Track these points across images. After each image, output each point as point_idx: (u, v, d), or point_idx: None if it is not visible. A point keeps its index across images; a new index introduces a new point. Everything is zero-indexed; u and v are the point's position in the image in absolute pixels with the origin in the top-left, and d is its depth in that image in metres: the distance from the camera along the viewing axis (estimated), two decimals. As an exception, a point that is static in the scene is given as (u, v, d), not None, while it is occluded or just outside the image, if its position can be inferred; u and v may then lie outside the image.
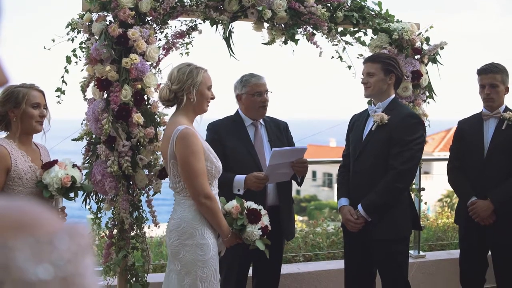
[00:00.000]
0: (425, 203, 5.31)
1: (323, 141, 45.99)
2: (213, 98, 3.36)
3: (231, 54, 4.16)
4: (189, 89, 3.22)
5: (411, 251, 5.35)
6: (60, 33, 3.82)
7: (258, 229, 3.39)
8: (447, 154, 4.55)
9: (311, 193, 33.46)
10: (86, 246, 0.59)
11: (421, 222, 5.32)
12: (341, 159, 4.33)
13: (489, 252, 4.42)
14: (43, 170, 3.15)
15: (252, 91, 4.04)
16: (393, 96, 3.97)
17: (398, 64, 3.96)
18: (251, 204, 3.46)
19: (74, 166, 3.33)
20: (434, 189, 6.58)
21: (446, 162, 4.60)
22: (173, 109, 3.38)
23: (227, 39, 4.08)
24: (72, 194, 3.27)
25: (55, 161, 3.21)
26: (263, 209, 3.47)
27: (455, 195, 9.43)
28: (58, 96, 3.88)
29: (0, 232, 0.55)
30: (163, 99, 3.31)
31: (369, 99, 4.24)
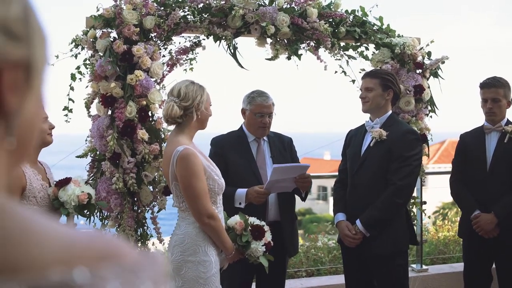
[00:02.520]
0: (429, 216, 5.31)
1: (317, 154, 46.02)
2: (211, 115, 3.37)
3: (241, 66, 4.18)
4: (198, 106, 3.21)
5: (413, 265, 5.35)
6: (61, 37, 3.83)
7: (262, 245, 3.39)
8: (441, 166, 4.59)
9: (306, 207, 33.40)
10: (165, 273, 0.63)
11: (423, 236, 5.34)
12: (336, 173, 4.34)
13: (493, 265, 4.42)
14: (57, 188, 3.14)
15: (255, 110, 4.03)
16: (390, 112, 4.00)
17: (396, 81, 4.00)
18: (254, 220, 3.47)
19: (86, 183, 3.33)
20: (429, 201, 6.60)
21: (441, 175, 4.61)
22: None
23: (234, 54, 4.09)
24: (86, 211, 3.26)
25: (69, 179, 3.20)
26: (265, 225, 3.48)
27: (452, 208, 9.48)
28: (66, 115, 3.87)
29: (89, 261, 0.57)
30: (174, 116, 3.17)
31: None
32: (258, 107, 4.02)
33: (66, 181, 3.17)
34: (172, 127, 3.39)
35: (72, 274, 0.55)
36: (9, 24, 0.62)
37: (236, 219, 3.44)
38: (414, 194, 4.54)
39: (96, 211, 3.78)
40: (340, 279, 5.06)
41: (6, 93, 0.62)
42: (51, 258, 0.56)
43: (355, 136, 4.14)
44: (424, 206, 5.13)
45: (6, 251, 0.55)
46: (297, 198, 4.23)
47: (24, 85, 0.64)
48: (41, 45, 0.66)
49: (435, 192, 7.28)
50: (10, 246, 0.55)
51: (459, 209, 4.72)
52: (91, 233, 0.63)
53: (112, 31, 3.85)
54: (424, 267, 5.40)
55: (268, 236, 3.46)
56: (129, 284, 0.57)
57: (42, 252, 0.56)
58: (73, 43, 3.87)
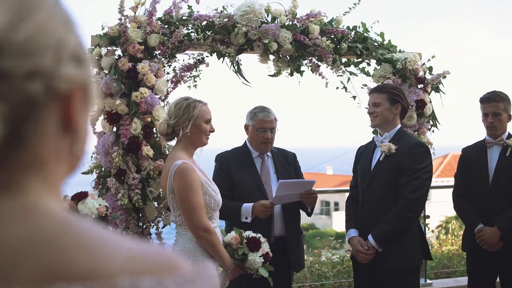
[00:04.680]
0: (432, 231, 5.32)
1: (320, 169, 45.92)
2: (212, 131, 3.37)
3: (245, 83, 4.22)
4: (184, 123, 3.25)
5: (417, 279, 5.34)
6: None
7: (260, 256, 3.41)
8: (444, 180, 4.58)
9: (309, 222, 33.29)
10: (218, 284, 0.69)
11: (428, 250, 5.33)
12: (339, 188, 4.35)
13: (497, 279, 4.42)
14: (74, 201, 3.18)
15: (256, 126, 4.06)
16: (399, 126, 3.99)
17: (403, 94, 4.00)
18: (250, 233, 3.49)
19: (99, 196, 3.38)
20: (433, 215, 6.61)
21: (444, 189, 4.62)
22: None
23: (238, 71, 4.14)
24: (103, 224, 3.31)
25: (87, 193, 3.26)
26: (262, 237, 3.50)
27: (454, 221, 9.47)
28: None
29: (154, 271, 0.64)
30: (161, 133, 3.37)
31: (375, 129, 4.28)
32: (259, 123, 4.06)
33: (84, 195, 3.23)
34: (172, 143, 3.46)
35: (138, 282, 0.61)
36: (77, 50, 0.70)
37: (231, 235, 3.46)
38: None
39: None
40: (344, 293, 5.07)
41: (75, 113, 0.70)
42: (120, 267, 0.63)
43: (365, 152, 4.14)
44: (427, 220, 5.13)
45: (80, 260, 0.62)
46: (302, 213, 4.25)
47: (83, 104, 0.72)
48: (89, 65, 0.73)
49: (438, 206, 7.27)
50: (83, 255, 0.63)
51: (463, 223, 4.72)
52: (151, 246, 0.69)
53: (117, 49, 3.91)
54: (429, 281, 5.40)
55: (265, 247, 3.48)
56: None
57: (112, 262, 0.63)
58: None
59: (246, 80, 4.23)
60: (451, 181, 4.62)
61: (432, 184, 4.25)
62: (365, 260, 3.84)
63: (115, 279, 0.61)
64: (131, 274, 0.62)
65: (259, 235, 3.50)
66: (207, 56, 4.17)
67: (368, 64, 4.61)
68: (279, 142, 4.24)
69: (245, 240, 3.42)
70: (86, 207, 3.16)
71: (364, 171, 4.03)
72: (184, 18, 4.02)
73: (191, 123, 3.25)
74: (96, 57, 3.87)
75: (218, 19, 4.04)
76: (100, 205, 3.22)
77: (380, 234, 3.78)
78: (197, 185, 3.17)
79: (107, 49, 3.90)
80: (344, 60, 4.49)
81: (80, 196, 3.22)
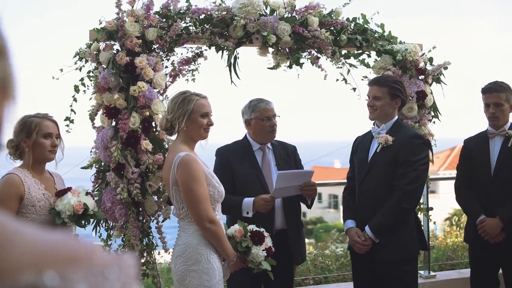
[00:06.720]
0: (434, 222, 5.30)
1: (327, 162, 45.90)
2: (210, 124, 3.37)
3: (232, 81, 4.18)
4: (179, 118, 3.27)
5: (421, 271, 5.32)
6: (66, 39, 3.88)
7: (263, 250, 3.41)
8: (452, 173, 4.56)
9: (317, 215, 33.33)
10: (133, 276, 0.65)
11: (430, 242, 5.32)
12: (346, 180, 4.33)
13: (500, 270, 4.40)
14: (57, 197, 3.18)
15: (261, 116, 4.06)
16: (396, 117, 3.99)
17: (404, 88, 3.99)
18: (253, 227, 3.50)
19: (87, 193, 3.36)
20: (440, 208, 6.57)
21: (452, 181, 4.60)
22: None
23: (232, 66, 4.12)
24: (84, 222, 3.29)
25: (69, 189, 3.25)
26: (265, 231, 3.51)
27: (463, 214, 9.42)
28: (67, 125, 3.92)
29: (59, 264, 0.60)
30: (161, 128, 3.44)
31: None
32: (264, 112, 4.06)
33: (64, 191, 3.22)
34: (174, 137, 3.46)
35: (42, 278, 0.57)
36: None
37: (235, 228, 3.47)
38: (421, 200, 4.53)
39: (101, 221, 3.82)
40: (347, 286, 5.07)
41: None
42: (22, 261, 0.59)
43: (362, 143, 4.14)
44: (435, 213, 5.11)
45: None
46: (303, 205, 4.24)
47: (2, 95, 0.69)
48: (10, 55, 0.70)
49: (446, 198, 7.24)
50: None
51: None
52: (62, 236, 0.65)
53: (115, 43, 3.91)
54: (432, 273, 5.39)
55: (268, 241, 3.49)
56: (96, 286, 0.60)
57: (13, 256, 0.59)
58: (77, 56, 3.92)
59: (238, 77, 4.20)
60: (459, 173, 4.59)
61: (440, 176, 4.24)
62: (362, 250, 3.85)
63: (16, 274, 0.57)
64: (34, 269, 0.58)
65: (262, 229, 3.51)
66: (206, 50, 4.16)
67: (368, 56, 4.57)
68: (287, 136, 4.22)
69: (249, 233, 3.42)
70: (61, 203, 3.15)
71: (361, 162, 4.02)
72: (182, 11, 4.01)
73: (186, 117, 3.26)
74: (94, 52, 3.87)
75: (216, 12, 4.02)
76: (79, 201, 3.20)
77: (377, 225, 3.79)
78: (202, 176, 3.18)
79: (105, 43, 3.90)
80: (343, 52, 4.46)
81: (62, 192, 3.21)
